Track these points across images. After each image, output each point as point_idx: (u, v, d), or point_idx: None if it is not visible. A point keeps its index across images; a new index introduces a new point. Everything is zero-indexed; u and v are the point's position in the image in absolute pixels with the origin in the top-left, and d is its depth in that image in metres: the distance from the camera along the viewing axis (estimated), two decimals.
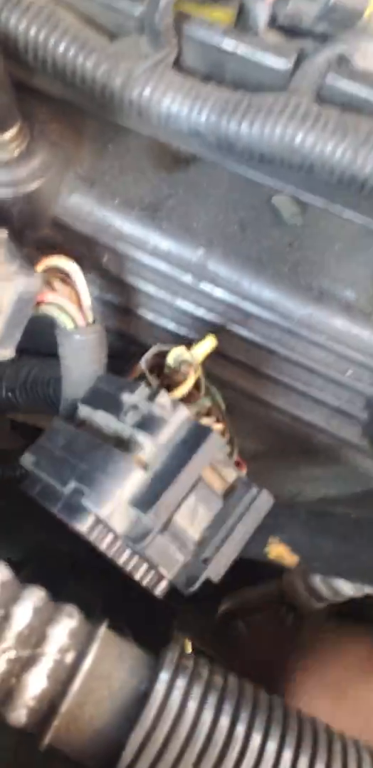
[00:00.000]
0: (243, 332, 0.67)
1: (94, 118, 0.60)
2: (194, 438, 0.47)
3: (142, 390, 0.50)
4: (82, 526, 0.46)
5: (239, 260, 0.64)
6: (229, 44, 0.52)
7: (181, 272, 0.65)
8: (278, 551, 0.57)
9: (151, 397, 0.49)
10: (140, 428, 0.48)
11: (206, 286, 0.65)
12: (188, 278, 0.65)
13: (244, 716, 0.45)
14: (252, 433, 0.73)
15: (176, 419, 0.48)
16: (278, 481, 0.78)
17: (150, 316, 0.68)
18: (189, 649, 0.89)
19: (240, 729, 0.44)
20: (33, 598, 0.47)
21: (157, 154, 0.64)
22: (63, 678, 0.45)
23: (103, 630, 0.48)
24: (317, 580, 0.78)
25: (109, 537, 0.47)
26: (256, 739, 0.44)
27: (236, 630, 0.93)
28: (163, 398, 0.48)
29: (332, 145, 0.49)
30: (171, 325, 0.68)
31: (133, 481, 0.47)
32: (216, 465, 0.49)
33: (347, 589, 0.75)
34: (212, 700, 0.45)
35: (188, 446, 0.47)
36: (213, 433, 0.47)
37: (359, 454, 0.72)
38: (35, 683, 0.44)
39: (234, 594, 0.92)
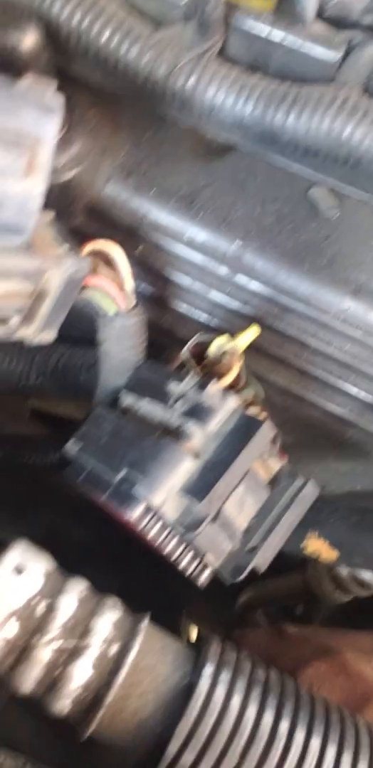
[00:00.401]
0: (277, 325, 0.66)
1: (132, 106, 0.60)
2: (245, 428, 0.47)
3: (191, 379, 0.50)
4: (132, 514, 0.46)
5: (276, 253, 0.63)
6: (277, 35, 0.51)
7: (216, 264, 0.65)
8: (316, 546, 0.57)
9: (202, 386, 0.49)
10: (190, 417, 0.48)
11: (241, 279, 0.65)
12: (223, 270, 0.65)
13: (287, 712, 0.45)
14: (281, 426, 0.73)
15: (227, 409, 0.48)
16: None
17: (183, 307, 0.68)
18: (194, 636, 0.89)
19: (284, 725, 0.44)
20: (77, 589, 0.47)
21: (194, 143, 0.64)
22: (108, 669, 0.45)
23: (146, 623, 0.48)
24: (345, 573, 0.78)
25: (158, 526, 0.47)
26: (300, 735, 0.44)
27: (255, 620, 0.93)
28: (214, 387, 0.48)
29: None
30: (204, 317, 0.68)
31: (185, 469, 0.47)
32: (262, 454, 0.49)
33: None
34: (255, 695, 0.45)
35: (239, 436, 0.47)
36: (264, 424, 0.47)
37: None
38: (80, 674, 0.44)
39: (257, 584, 0.91)
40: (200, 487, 0.46)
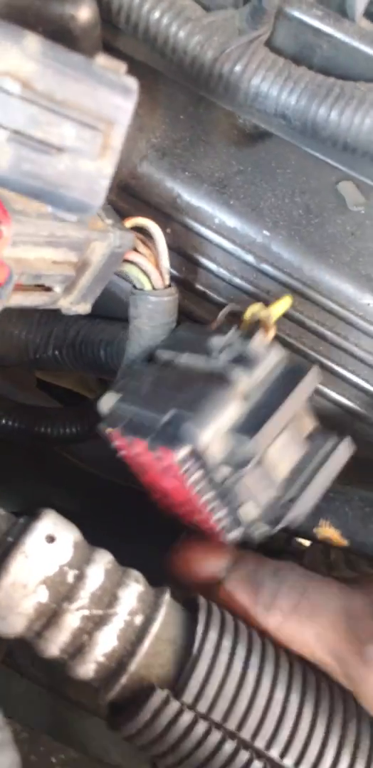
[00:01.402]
0: (298, 316, 0.68)
1: (171, 86, 0.60)
2: (293, 373, 0.49)
3: (235, 332, 0.51)
4: (180, 452, 0.46)
5: (303, 245, 0.65)
6: (326, 28, 0.52)
7: (244, 251, 0.65)
8: (328, 533, 0.59)
9: (248, 336, 0.49)
10: (236, 364, 0.49)
11: (267, 268, 0.66)
12: (250, 258, 0.66)
13: (282, 679, 0.47)
14: None
15: (274, 356, 0.49)
16: None
17: (207, 291, 0.68)
18: None
19: (279, 691, 0.46)
20: (104, 560, 0.48)
21: (228, 128, 0.64)
22: (132, 639, 0.46)
23: (167, 596, 0.49)
24: (341, 562, 0.80)
25: (200, 473, 0.47)
26: (294, 701, 0.47)
27: None
28: (260, 337, 0.49)
29: None
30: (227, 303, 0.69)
31: (233, 410, 0.47)
32: (309, 400, 0.50)
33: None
34: (254, 661, 0.47)
35: (287, 381, 0.48)
36: (315, 367, 0.48)
37: None
38: (106, 641, 0.46)
39: None
40: (249, 426, 0.46)
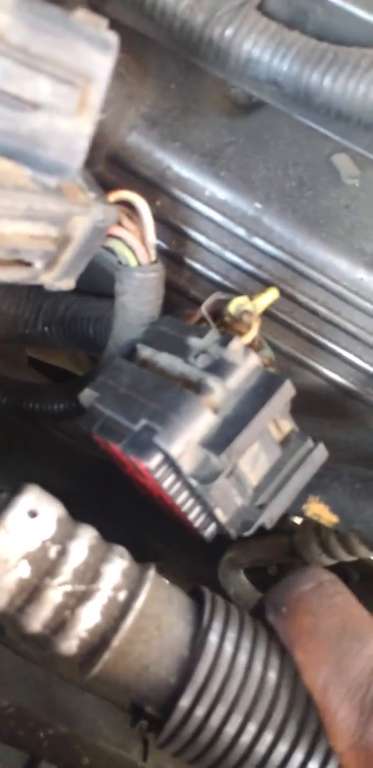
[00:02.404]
0: (290, 291, 0.67)
1: (161, 53, 0.58)
2: (267, 385, 0.48)
3: (212, 335, 0.50)
4: (150, 463, 0.46)
5: (295, 218, 0.63)
6: None
7: (235, 225, 0.64)
8: (317, 509, 0.58)
9: (224, 343, 0.49)
10: (211, 372, 0.48)
11: (258, 241, 0.64)
12: (241, 231, 0.64)
13: (288, 671, 0.46)
14: None
15: (248, 365, 0.48)
16: None
17: (197, 266, 0.67)
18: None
19: (286, 682, 0.46)
20: (87, 536, 0.47)
21: (220, 98, 0.63)
22: (116, 614, 0.46)
23: (152, 572, 0.48)
24: (333, 539, 0.80)
25: (172, 477, 0.48)
26: (301, 691, 0.46)
27: (237, 579, 0.95)
28: (236, 344, 0.48)
29: None
30: (218, 278, 0.68)
31: (204, 422, 0.47)
32: (280, 413, 0.49)
33: (363, 550, 0.78)
34: (260, 653, 0.46)
35: (260, 393, 0.48)
36: (287, 381, 0.47)
37: None
38: (89, 617, 0.45)
39: (241, 543, 0.93)
40: (219, 441, 0.47)
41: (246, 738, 0.44)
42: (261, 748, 0.44)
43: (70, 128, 0.32)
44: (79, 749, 0.65)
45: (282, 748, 0.43)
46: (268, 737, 0.43)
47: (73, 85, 0.31)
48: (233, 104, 0.63)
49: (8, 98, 0.29)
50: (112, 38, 0.32)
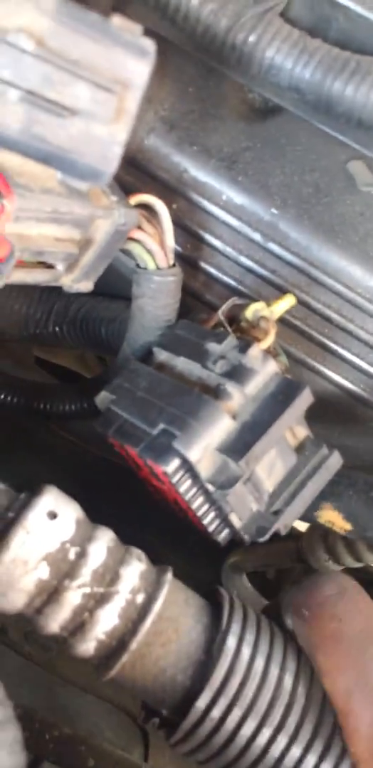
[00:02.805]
0: (304, 297, 0.67)
1: (181, 57, 0.58)
2: (285, 392, 0.48)
3: (231, 340, 0.50)
4: (169, 467, 0.46)
5: (311, 224, 0.63)
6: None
7: (251, 230, 0.64)
8: (330, 516, 0.59)
9: (243, 349, 0.49)
10: (230, 378, 0.48)
11: (273, 247, 0.65)
12: (257, 236, 0.64)
13: (304, 675, 0.46)
14: None
15: (267, 372, 0.48)
16: None
17: (213, 270, 0.67)
18: None
19: (302, 686, 0.46)
20: (106, 538, 0.48)
21: (238, 103, 0.63)
22: (134, 617, 0.46)
23: (170, 575, 0.49)
24: (340, 545, 0.80)
25: (189, 482, 0.48)
26: (317, 696, 0.46)
27: (241, 583, 0.95)
28: (255, 350, 0.48)
29: None
30: (232, 282, 0.68)
31: (222, 428, 0.47)
32: (299, 419, 0.50)
33: (370, 557, 0.78)
34: (277, 657, 0.47)
35: (279, 400, 0.48)
36: (306, 388, 0.47)
37: None
38: (107, 619, 0.45)
39: (248, 547, 0.93)
40: (237, 447, 0.47)
41: (261, 741, 0.44)
42: (275, 751, 0.44)
43: (106, 134, 0.32)
44: (85, 751, 0.65)
45: (296, 751, 0.44)
46: (282, 741, 0.44)
47: (111, 92, 0.31)
48: (250, 109, 0.63)
49: (47, 104, 0.29)
50: (150, 45, 0.32)
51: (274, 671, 0.45)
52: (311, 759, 0.44)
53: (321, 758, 0.44)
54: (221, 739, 0.44)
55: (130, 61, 0.32)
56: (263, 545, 0.93)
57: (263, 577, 1.04)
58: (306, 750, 0.44)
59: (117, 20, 0.32)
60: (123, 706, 0.86)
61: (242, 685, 0.44)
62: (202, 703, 0.44)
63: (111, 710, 0.86)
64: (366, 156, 0.60)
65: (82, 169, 0.32)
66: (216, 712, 0.44)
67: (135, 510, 0.82)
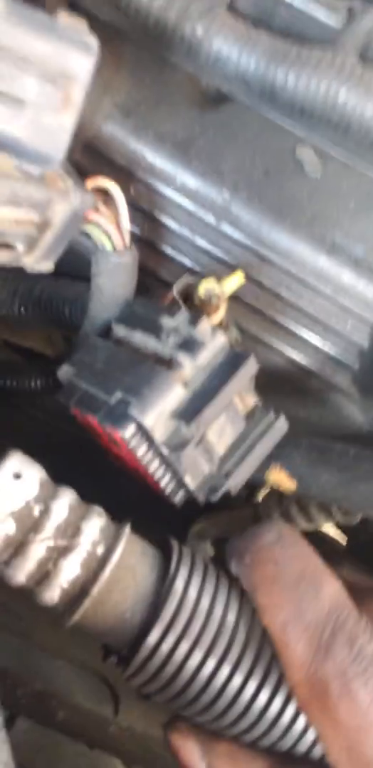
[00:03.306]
0: (255, 276, 0.71)
1: (137, 47, 0.61)
2: (232, 362, 0.52)
3: (182, 314, 0.54)
4: (125, 432, 0.50)
5: (262, 207, 0.67)
6: None
7: (204, 212, 0.68)
8: (277, 477, 0.63)
9: (193, 322, 0.53)
10: (181, 349, 0.52)
11: (226, 228, 0.68)
12: (210, 218, 0.68)
13: (246, 613, 0.51)
14: None
15: (215, 344, 0.52)
16: None
17: (169, 251, 0.71)
18: None
19: (243, 623, 0.51)
20: (68, 496, 0.52)
21: (191, 91, 0.66)
22: (94, 567, 0.50)
23: (127, 530, 0.53)
24: (294, 509, 0.85)
25: (145, 446, 0.52)
26: (258, 631, 0.51)
27: (204, 552, 1.00)
28: (205, 324, 0.52)
29: (371, 108, 0.52)
30: (188, 262, 0.71)
31: (175, 395, 0.51)
32: (244, 387, 0.54)
33: (321, 518, 0.83)
34: (221, 598, 0.51)
35: (226, 369, 0.52)
36: (251, 358, 0.52)
37: (346, 399, 0.78)
38: (70, 569, 0.49)
39: (208, 515, 0.98)
40: (188, 412, 0.51)
41: (206, 671, 0.49)
42: (219, 679, 0.49)
43: (55, 123, 0.35)
44: (55, 705, 0.69)
45: (238, 679, 0.49)
46: (225, 670, 0.49)
47: (57, 85, 0.34)
48: (204, 97, 0.66)
49: None
50: (93, 42, 0.35)
51: (218, 609, 0.50)
52: (251, 685, 0.49)
53: (261, 685, 0.49)
54: (170, 671, 0.49)
55: (75, 56, 0.35)
56: (224, 513, 0.99)
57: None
58: (247, 678, 0.49)
59: (63, 18, 0.35)
60: (95, 669, 0.90)
61: (189, 622, 0.49)
62: (152, 639, 0.49)
63: (82, 673, 0.90)
64: (312, 142, 0.64)
65: (34, 155, 0.35)
66: (165, 647, 0.49)
67: (105, 484, 0.86)
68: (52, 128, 0.35)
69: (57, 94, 0.34)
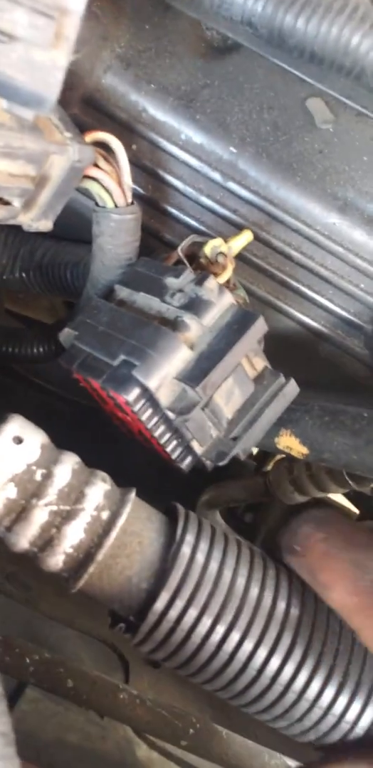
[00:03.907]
0: (264, 236, 0.68)
1: None
2: (240, 322, 0.50)
3: (188, 274, 0.52)
4: (129, 396, 0.48)
5: (270, 163, 0.64)
6: None
7: (210, 169, 0.65)
8: (288, 442, 0.61)
9: (200, 282, 0.51)
10: (187, 310, 0.50)
11: (233, 186, 0.66)
12: (216, 175, 0.65)
13: (256, 579, 0.50)
14: None
15: (223, 303, 0.50)
16: None
17: (173, 210, 0.68)
18: None
19: (253, 588, 0.49)
20: (71, 461, 0.50)
21: (195, 40, 0.63)
22: (99, 532, 0.49)
23: (133, 495, 0.52)
24: (304, 476, 0.84)
25: (150, 410, 0.50)
26: (268, 596, 0.50)
27: (214, 520, 0.99)
28: (211, 282, 0.50)
29: None
30: (193, 222, 0.69)
31: (180, 357, 0.49)
32: (253, 349, 0.52)
33: (332, 486, 0.82)
34: (230, 563, 0.50)
35: (234, 330, 0.50)
36: (260, 317, 0.49)
37: (358, 363, 0.76)
38: (74, 534, 0.48)
39: (218, 485, 0.97)
40: (195, 374, 0.49)
41: (215, 638, 0.48)
42: (228, 647, 0.48)
43: (47, 60, 0.33)
44: (64, 673, 0.68)
45: (248, 646, 0.48)
46: (235, 637, 0.48)
47: (49, 17, 0.32)
48: (208, 46, 0.63)
49: None
50: None
51: (227, 574, 0.49)
52: (261, 653, 0.48)
53: (271, 653, 0.48)
54: (178, 638, 0.48)
55: None
56: (233, 482, 0.98)
57: (240, 520, 1.08)
58: (258, 643, 0.48)
59: None
60: (103, 638, 0.90)
61: (197, 587, 0.48)
62: (159, 605, 0.48)
63: (91, 642, 0.90)
64: (323, 92, 0.61)
65: (26, 96, 0.33)
66: (173, 613, 0.48)
67: (110, 454, 0.85)
68: (44, 65, 0.32)
69: (49, 27, 0.31)
